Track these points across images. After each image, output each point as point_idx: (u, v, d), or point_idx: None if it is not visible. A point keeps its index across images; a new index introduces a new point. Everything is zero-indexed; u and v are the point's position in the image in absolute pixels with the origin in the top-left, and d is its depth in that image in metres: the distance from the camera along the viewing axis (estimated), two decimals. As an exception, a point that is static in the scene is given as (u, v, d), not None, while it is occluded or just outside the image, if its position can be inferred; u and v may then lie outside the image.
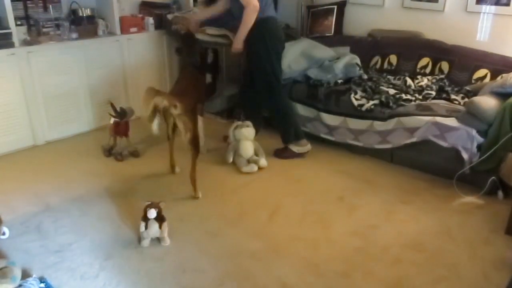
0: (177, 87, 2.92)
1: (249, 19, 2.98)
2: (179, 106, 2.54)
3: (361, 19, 4.20)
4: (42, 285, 2.00)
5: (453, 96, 3.22)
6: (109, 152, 3.39)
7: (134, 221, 2.47)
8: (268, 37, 3.08)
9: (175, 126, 2.82)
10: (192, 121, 2.68)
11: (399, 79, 3.55)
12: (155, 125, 2.55)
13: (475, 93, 3.17)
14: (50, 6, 3.59)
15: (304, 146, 3.33)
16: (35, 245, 2.33)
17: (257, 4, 2.94)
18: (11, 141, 3.42)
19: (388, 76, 3.63)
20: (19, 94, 3.37)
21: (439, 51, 3.61)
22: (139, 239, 2.35)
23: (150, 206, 2.27)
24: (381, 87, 3.36)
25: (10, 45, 3.28)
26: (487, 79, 3.30)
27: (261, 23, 3.03)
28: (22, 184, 2.97)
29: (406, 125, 3.02)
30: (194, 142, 2.71)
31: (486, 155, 2.72)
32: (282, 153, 3.36)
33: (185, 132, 2.66)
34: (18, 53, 3.31)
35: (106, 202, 2.76)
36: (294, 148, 3.32)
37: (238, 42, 3.10)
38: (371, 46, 3.96)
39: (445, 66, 3.55)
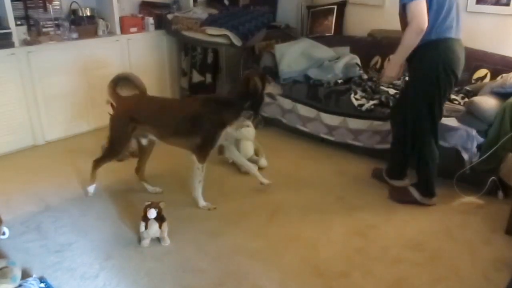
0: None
1: (408, 40, 2.32)
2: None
3: (361, 19, 4.20)
4: (42, 285, 2.00)
5: (453, 96, 3.22)
6: (109, 152, 3.39)
7: (134, 221, 2.46)
8: (436, 68, 2.35)
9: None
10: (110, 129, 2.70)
11: (399, 79, 3.54)
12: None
13: (475, 93, 3.17)
14: (50, 6, 3.59)
15: (430, 199, 2.71)
16: (35, 245, 2.33)
17: (423, 23, 2.22)
18: (11, 141, 3.42)
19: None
20: (19, 94, 3.37)
21: (439, 51, 3.60)
22: (139, 239, 2.35)
23: (150, 206, 2.27)
24: (381, 87, 3.36)
25: (10, 45, 3.28)
26: (487, 79, 3.30)
27: (430, 47, 2.33)
28: (22, 184, 2.97)
29: (406, 125, 3.01)
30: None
31: (486, 155, 2.72)
32: (400, 196, 2.76)
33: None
34: (18, 53, 3.31)
35: (106, 202, 2.76)
36: (417, 195, 2.71)
37: (392, 68, 2.46)
38: (371, 46, 3.95)
39: (445, 66, 3.55)
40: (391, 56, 2.41)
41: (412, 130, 2.56)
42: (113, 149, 2.73)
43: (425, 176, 2.66)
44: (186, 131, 2.56)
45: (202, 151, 2.57)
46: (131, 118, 2.59)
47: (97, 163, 2.77)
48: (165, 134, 2.64)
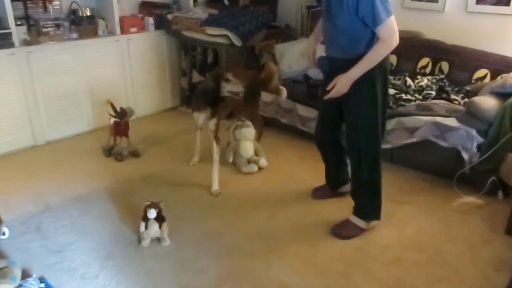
0: None
1: (379, 56, 2.13)
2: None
3: (361, 19, 4.19)
4: (42, 285, 2.00)
5: (453, 96, 3.22)
6: (109, 152, 3.39)
7: (134, 221, 2.46)
8: (380, 81, 2.24)
9: None
10: None
11: (399, 79, 3.54)
12: None
13: (475, 93, 3.17)
14: (50, 6, 3.59)
15: (371, 222, 2.50)
16: (35, 245, 2.33)
17: (397, 40, 2.12)
18: (11, 141, 3.42)
19: (388, 76, 3.62)
20: (19, 94, 3.37)
21: (439, 51, 3.60)
22: (139, 239, 2.35)
23: (150, 206, 2.27)
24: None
25: (10, 45, 3.28)
26: (487, 79, 3.30)
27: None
28: (22, 184, 2.97)
29: (406, 125, 3.01)
30: None
31: (486, 155, 2.72)
32: (344, 230, 2.45)
33: None
34: (18, 53, 3.31)
35: (106, 202, 2.76)
36: (361, 223, 2.46)
37: (348, 83, 2.18)
38: (371, 46, 3.95)
39: (445, 66, 3.55)
40: (349, 72, 2.17)
41: (366, 150, 2.31)
42: None
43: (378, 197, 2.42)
44: None
45: None
46: None
47: None
48: None
